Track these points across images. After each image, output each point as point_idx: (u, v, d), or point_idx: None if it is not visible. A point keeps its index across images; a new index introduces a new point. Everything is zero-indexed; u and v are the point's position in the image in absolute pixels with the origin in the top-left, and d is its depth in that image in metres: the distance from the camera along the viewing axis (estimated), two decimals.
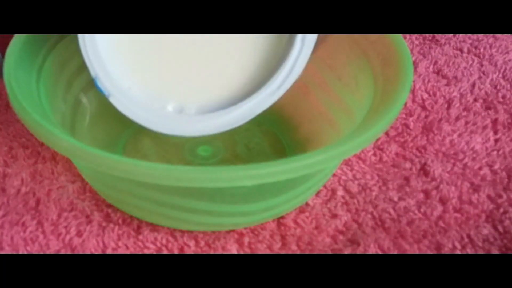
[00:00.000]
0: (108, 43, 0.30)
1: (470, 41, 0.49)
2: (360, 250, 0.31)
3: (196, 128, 0.29)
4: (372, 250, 0.31)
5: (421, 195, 0.35)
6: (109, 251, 0.31)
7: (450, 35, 0.49)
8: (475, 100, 0.42)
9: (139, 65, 0.31)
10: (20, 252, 0.31)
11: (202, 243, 0.32)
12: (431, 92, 0.43)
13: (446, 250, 0.31)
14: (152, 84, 0.31)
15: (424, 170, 0.36)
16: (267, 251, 0.31)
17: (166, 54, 0.31)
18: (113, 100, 0.30)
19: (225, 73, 0.30)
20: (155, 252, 0.31)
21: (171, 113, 0.30)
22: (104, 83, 0.30)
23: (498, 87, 0.44)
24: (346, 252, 0.31)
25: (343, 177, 0.36)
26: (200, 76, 0.31)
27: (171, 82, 0.31)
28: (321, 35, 0.30)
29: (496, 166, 0.37)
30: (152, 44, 0.31)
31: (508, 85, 0.44)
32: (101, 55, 0.30)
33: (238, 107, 0.29)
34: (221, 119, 0.29)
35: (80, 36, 0.30)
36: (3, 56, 0.36)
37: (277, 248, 0.32)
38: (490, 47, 0.48)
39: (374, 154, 0.37)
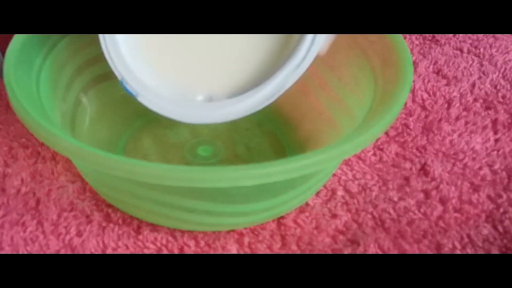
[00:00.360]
0: (130, 44, 0.31)
1: (470, 41, 0.49)
2: (360, 250, 0.31)
3: (226, 113, 0.29)
4: (372, 250, 0.31)
5: (421, 195, 0.35)
6: (109, 251, 0.31)
7: (450, 35, 0.49)
8: (475, 100, 0.42)
9: (163, 62, 0.31)
10: (20, 252, 0.31)
11: (202, 243, 0.32)
12: (431, 92, 0.43)
13: (446, 250, 0.31)
14: (179, 78, 0.31)
15: (424, 170, 0.36)
16: (267, 251, 0.31)
17: (188, 47, 0.31)
18: (142, 99, 0.30)
19: (248, 56, 0.30)
20: (155, 252, 0.31)
21: (201, 102, 0.30)
22: (131, 84, 0.30)
23: (498, 87, 0.44)
24: (346, 252, 0.31)
25: (343, 177, 0.36)
26: (224, 61, 0.31)
27: (197, 73, 0.31)
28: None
29: (496, 166, 0.37)
30: (172, 39, 0.31)
31: (508, 85, 0.44)
32: (125, 58, 0.30)
33: (264, 87, 0.29)
34: (248, 101, 0.29)
35: (102, 41, 0.30)
36: (3, 56, 0.36)
37: (277, 248, 0.32)
38: (490, 47, 0.48)
39: (374, 154, 0.37)
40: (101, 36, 0.30)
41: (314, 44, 0.29)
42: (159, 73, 0.31)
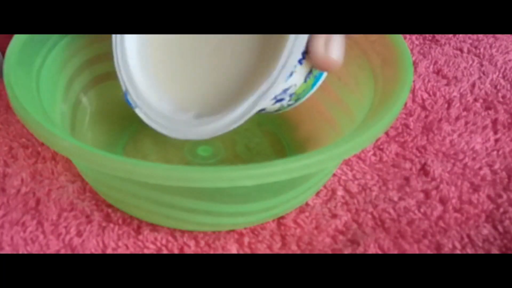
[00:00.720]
0: (137, 59, 0.32)
1: (470, 41, 0.49)
2: (360, 250, 0.31)
3: (214, 128, 0.30)
4: (372, 250, 0.31)
5: (421, 195, 0.35)
6: (109, 251, 0.31)
7: (450, 35, 0.49)
8: (475, 100, 0.42)
9: (166, 79, 0.32)
10: (20, 252, 0.31)
11: (202, 243, 0.32)
12: (431, 92, 0.43)
13: (446, 250, 0.31)
14: (177, 96, 0.32)
15: (424, 170, 0.36)
16: (267, 251, 0.31)
17: (187, 66, 0.32)
18: (138, 112, 0.32)
19: (234, 73, 0.30)
20: (155, 252, 0.31)
21: (192, 119, 0.31)
22: (132, 96, 0.32)
23: (498, 87, 0.44)
24: (346, 252, 0.31)
25: (343, 177, 0.36)
26: (215, 80, 0.31)
27: (192, 92, 0.32)
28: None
29: (496, 166, 0.37)
30: (175, 58, 0.32)
31: (508, 85, 0.44)
32: (131, 71, 0.32)
33: (247, 101, 0.29)
34: (233, 114, 0.29)
35: (114, 54, 0.32)
36: (3, 56, 0.36)
37: (277, 248, 0.32)
38: (490, 47, 0.48)
39: (374, 154, 0.37)
40: (114, 49, 0.32)
41: (287, 64, 0.28)
42: (161, 89, 0.32)
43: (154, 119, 0.31)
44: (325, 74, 0.32)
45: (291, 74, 0.29)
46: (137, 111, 0.32)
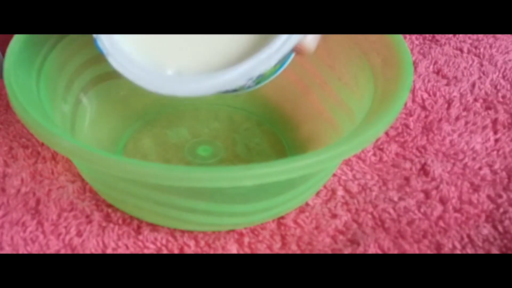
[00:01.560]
0: None
1: (470, 41, 0.49)
2: (360, 250, 0.31)
3: (192, 88, 0.29)
4: (372, 250, 0.31)
5: (421, 195, 0.35)
6: (109, 251, 0.31)
7: (450, 35, 0.49)
8: (475, 100, 0.42)
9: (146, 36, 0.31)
10: (20, 252, 0.31)
11: (202, 243, 0.32)
12: (431, 92, 0.43)
13: (446, 250, 0.31)
14: (154, 49, 0.30)
15: (424, 170, 0.36)
16: (267, 251, 0.31)
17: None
18: (112, 60, 0.30)
19: (222, 36, 0.30)
20: (155, 252, 0.31)
21: (171, 75, 0.30)
22: (105, 43, 0.30)
23: (498, 87, 0.44)
24: (346, 252, 0.31)
25: (343, 177, 0.36)
26: (198, 39, 0.30)
27: (171, 47, 0.30)
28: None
29: (496, 166, 0.37)
30: None
31: (508, 85, 0.44)
32: None
33: (235, 68, 0.28)
34: (218, 79, 0.28)
35: None
36: (3, 56, 0.36)
37: (277, 248, 0.32)
38: (490, 47, 0.48)
39: (374, 154, 0.37)
40: None
41: (292, 37, 0.28)
42: (134, 41, 0.30)
43: (129, 69, 0.29)
44: (289, 61, 0.31)
45: None
46: (109, 58, 0.29)
